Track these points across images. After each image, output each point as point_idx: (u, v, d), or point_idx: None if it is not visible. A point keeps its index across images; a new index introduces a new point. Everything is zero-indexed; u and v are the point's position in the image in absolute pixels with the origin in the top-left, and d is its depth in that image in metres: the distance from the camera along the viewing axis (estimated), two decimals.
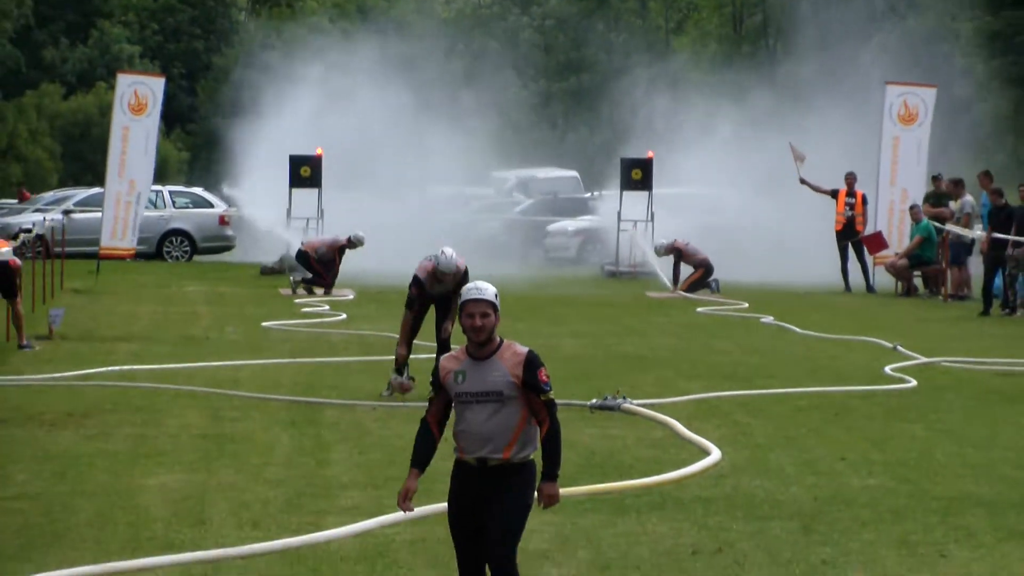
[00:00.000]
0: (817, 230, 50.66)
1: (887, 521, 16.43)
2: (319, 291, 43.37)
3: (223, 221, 62.16)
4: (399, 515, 11.88)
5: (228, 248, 62.18)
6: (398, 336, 24.60)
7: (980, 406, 24.64)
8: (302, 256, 44.45)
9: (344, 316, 38.12)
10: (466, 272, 24.09)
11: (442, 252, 24.30)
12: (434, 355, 23.84)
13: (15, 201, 69.72)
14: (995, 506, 17.17)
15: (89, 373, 27.27)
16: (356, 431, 21.40)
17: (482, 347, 11.13)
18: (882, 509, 17.01)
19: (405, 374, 24.36)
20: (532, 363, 11.06)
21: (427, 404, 11.41)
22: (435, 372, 11.38)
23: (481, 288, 11.21)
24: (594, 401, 23.30)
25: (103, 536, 15.68)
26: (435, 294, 24.56)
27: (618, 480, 18.26)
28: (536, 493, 11.14)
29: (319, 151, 55.02)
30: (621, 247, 52.88)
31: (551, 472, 11.14)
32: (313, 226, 51.24)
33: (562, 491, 16.57)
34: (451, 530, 11.23)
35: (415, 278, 24.60)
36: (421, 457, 11.33)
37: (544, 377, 11.09)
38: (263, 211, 58.01)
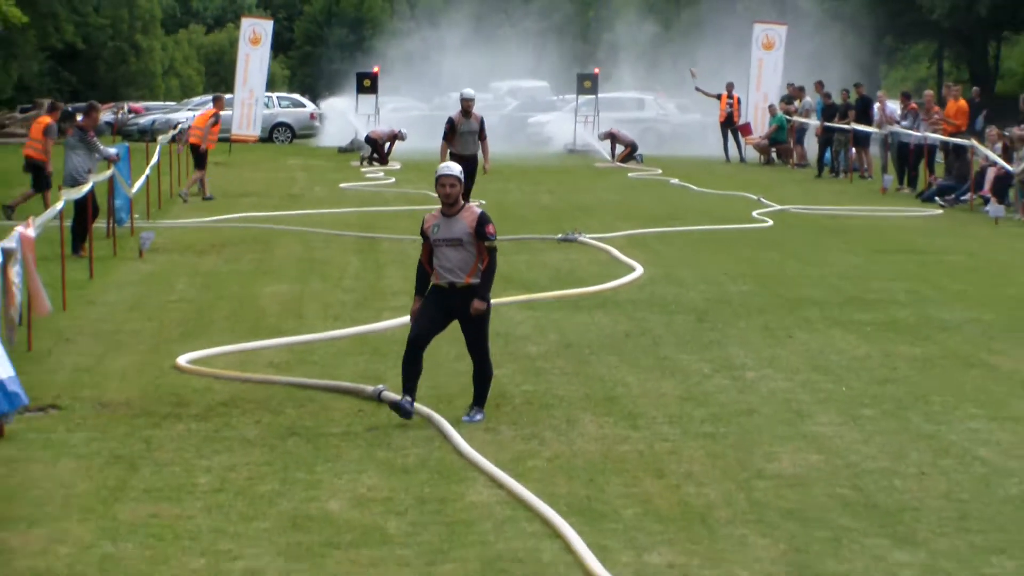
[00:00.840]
0: (707, 122, 50.62)
1: (754, 315, 16.45)
2: (377, 164, 43.14)
3: (312, 117, 62.00)
4: None
5: (315, 135, 61.94)
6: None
7: (815, 238, 24.59)
8: (370, 141, 44.22)
9: (394, 180, 37.89)
10: (483, 121, 24.18)
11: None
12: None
13: (173, 103, 69.11)
14: (825, 304, 17.21)
15: (225, 218, 27.21)
16: (402, 256, 21.23)
17: (451, 207, 11.40)
18: (751, 307, 17.03)
19: None
20: (482, 220, 11.39)
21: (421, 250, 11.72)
22: (421, 227, 11.65)
23: (451, 167, 11.66)
24: (560, 235, 23.21)
25: (235, 326, 15.76)
26: (462, 132, 23.73)
27: (576, 288, 18.24)
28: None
29: (376, 69, 55.38)
30: (577, 134, 52.50)
31: (483, 294, 11.41)
32: (373, 119, 50.83)
33: (537, 295, 17.08)
34: (416, 317, 11.57)
35: (448, 118, 24.27)
36: (420, 287, 11.71)
37: (490, 230, 11.41)
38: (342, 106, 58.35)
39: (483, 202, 24.26)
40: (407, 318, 12.34)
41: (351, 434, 11.16)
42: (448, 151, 23.56)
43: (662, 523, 9.05)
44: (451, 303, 11.43)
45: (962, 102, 33.87)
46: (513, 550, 8.57)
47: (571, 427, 11.42)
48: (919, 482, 9.94)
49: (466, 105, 23.62)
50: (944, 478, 10.03)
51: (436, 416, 11.41)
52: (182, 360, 13.65)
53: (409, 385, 11.45)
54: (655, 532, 8.88)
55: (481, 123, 23.71)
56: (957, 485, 9.87)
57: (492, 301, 11.72)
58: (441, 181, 11.45)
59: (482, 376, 11.60)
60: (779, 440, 11.02)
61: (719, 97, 47.23)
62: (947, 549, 8.61)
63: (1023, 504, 9.48)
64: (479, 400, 11.57)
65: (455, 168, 11.64)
